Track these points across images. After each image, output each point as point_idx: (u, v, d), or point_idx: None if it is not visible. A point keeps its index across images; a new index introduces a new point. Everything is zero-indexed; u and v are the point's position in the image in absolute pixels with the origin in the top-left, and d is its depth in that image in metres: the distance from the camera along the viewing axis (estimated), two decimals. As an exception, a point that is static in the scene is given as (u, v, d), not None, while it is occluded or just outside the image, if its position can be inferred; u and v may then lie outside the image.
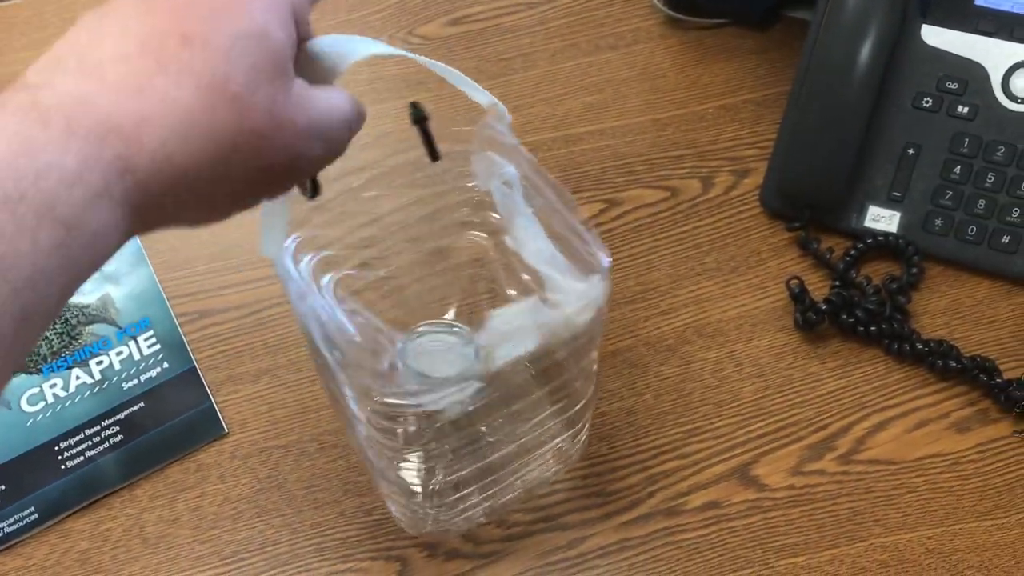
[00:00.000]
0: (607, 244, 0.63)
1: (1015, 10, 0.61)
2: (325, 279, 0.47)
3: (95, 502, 0.56)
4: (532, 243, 0.46)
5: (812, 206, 0.62)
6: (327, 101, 0.35)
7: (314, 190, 0.41)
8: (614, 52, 0.75)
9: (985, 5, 0.62)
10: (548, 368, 0.49)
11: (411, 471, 0.52)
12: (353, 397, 0.43)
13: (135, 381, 0.60)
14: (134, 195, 0.29)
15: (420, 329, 0.54)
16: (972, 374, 0.57)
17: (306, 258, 0.46)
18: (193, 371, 0.61)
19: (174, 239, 0.66)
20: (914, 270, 0.61)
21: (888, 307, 0.59)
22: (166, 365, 0.61)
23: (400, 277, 0.52)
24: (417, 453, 0.52)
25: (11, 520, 0.55)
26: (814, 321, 0.59)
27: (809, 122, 0.61)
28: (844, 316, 0.59)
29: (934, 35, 0.62)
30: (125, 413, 0.59)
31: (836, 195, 0.62)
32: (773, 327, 0.61)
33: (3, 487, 0.56)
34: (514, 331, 0.41)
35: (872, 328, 0.58)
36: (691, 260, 0.64)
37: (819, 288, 0.61)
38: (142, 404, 0.59)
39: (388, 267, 0.52)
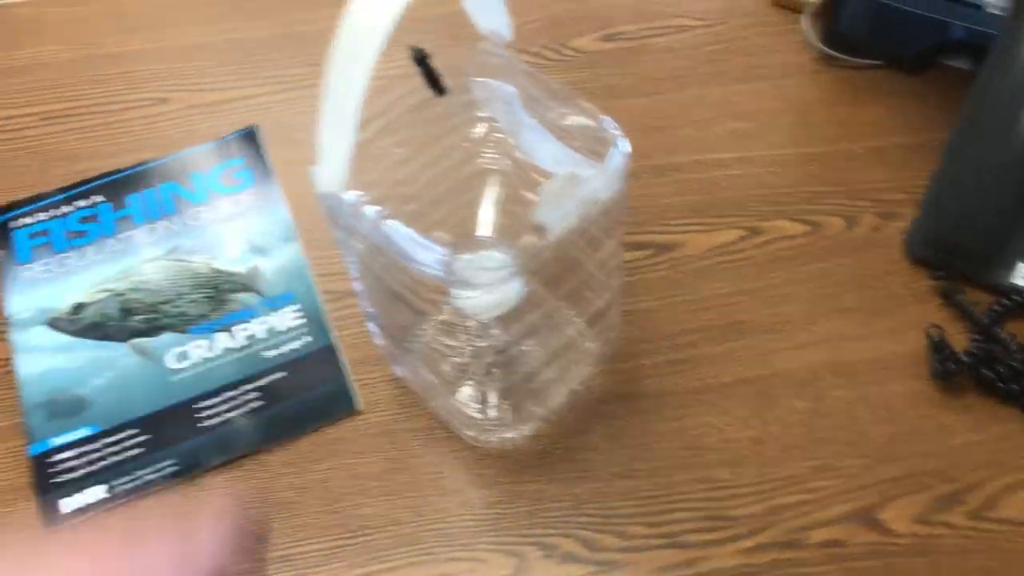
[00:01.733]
0: (746, 271, 0.65)
1: None
2: (369, 214, 0.49)
3: (230, 462, 0.58)
4: (542, 149, 0.50)
5: (959, 257, 0.62)
6: None
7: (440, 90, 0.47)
8: (765, 83, 0.75)
9: None
10: (560, 277, 0.53)
11: (470, 392, 0.57)
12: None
13: (277, 351, 0.62)
14: None
15: (459, 249, 0.57)
16: (1114, 445, 0.56)
17: (351, 197, 0.48)
18: (332, 348, 0.63)
19: (322, 219, 0.69)
20: (1060, 333, 0.60)
21: (1032, 367, 0.58)
22: (308, 339, 0.63)
23: (432, 208, 0.55)
24: (468, 378, 0.57)
25: (153, 469, 0.58)
26: (953, 372, 0.58)
27: (966, 174, 0.61)
28: (985, 370, 0.58)
29: (1106, 98, 0.61)
30: (265, 380, 0.61)
31: (987, 249, 0.61)
32: (908, 373, 0.60)
33: (148, 436, 0.59)
34: (560, 204, 0.44)
35: (1014, 386, 0.57)
36: (830, 297, 0.64)
37: (958, 340, 0.61)
38: (283, 374, 0.62)
39: (420, 201, 0.54)
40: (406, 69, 0.50)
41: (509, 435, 0.58)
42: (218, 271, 0.66)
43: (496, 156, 0.54)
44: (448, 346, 0.58)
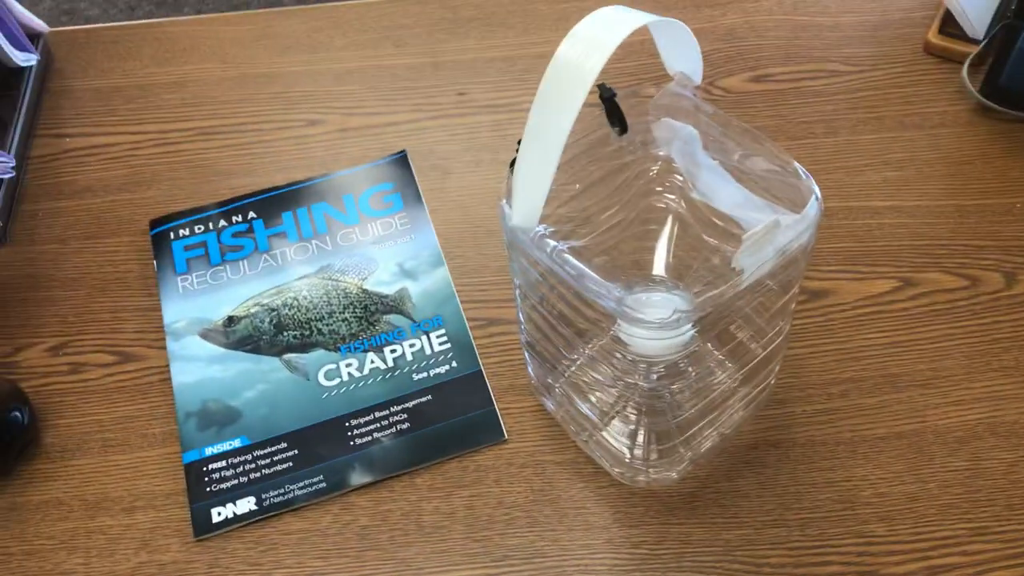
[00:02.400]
0: (900, 323, 0.64)
1: None
2: (549, 247, 0.49)
3: (377, 482, 0.59)
4: (721, 191, 0.50)
5: None
6: None
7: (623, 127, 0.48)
8: (919, 132, 0.74)
9: None
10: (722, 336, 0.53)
11: (620, 429, 0.57)
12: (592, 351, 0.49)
13: (425, 374, 0.63)
14: None
15: (633, 287, 0.57)
16: None
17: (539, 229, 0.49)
18: (479, 374, 0.63)
19: (469, 246, 0.70)
20: None
21: None
22: (454, 364, 0.64)
23: (603, 245, 0.55)
24: (618, 415, 0.57)
25: (302, 484, 0.59)
26: (1125, 441, 0.56)
27: None
28: None
29: None
30: (413, 403, 0.62)
31: None
32: (1073, 439, 0.58)
33: (296, 451, 0.60)
34: (759, 250, 0.44)
35: None
36: (988, 355, 0.62)
37: (1126, 407, 0.59)
38: (430, 397, 0.62)
39: (590, 237, 0.54)
40: (588, 103, 0.51)
41: (656, 475, 0.58)
42: (368, 292, 0.67)
43: (671, 197, 0.54)
44: (597, 379, 0.58)
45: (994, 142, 0.73)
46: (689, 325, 0.47)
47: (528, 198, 0.45)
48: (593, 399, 0.58)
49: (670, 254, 0.54)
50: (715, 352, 0.56)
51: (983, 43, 0.76)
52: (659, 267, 0.55)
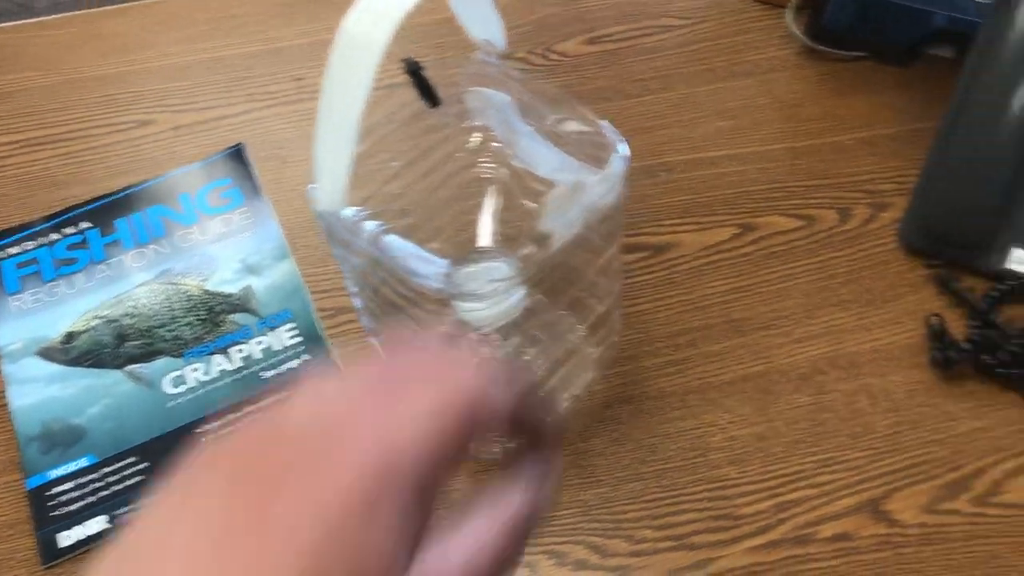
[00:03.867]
0: (741, 268, 0.65)
1: None
2: (368, 230, 0.48)
3: (233, 484, 0.58)
4: (539, 157, 0.50)
5: (954, 244, 0.62)
6: None
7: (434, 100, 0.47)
8: (750, 79, 0.75)
9: None
10: (561, 287, 0.52)
11: None
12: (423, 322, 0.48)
13: (275, 371, 0.62)
14: None
15: (459, 259, 0.56)
16: (1117, 425, 0.56)
17: (349, 213, 0.48)
18: (332, 365, 0.62)
19: (315, 235, 0.68)
20: (1057, 316, 0.60)
21: (1031, 351, 0.58)
22: (306, 357, 0.63)
23: (430, 220, 0.55)
24: None
25: (154, 495, 0.57)
26: (954, 360, 0.58)
27: (958, 161, 0.61)
28: (985, 357, 0.58)
29: (1092, 80, 0.61)
30: (267, 401, 0.61)
31: (980, 235, 0.61)
32: (908, 363, 0.60)
33: (147, 464, 0.58)
34: (565, 212, 0.44)
35: (1014, 371, 0.57)
36: (826, 290, 0.64)
37: (955, 326, 0.61)
38: (283, 393, 0.61)
39: (417, 213, 0.54)
40: (397, 81, 0.50)
41: (512, 445, 0.58)
42: (211, 292, 0.66)
43: (492, 166, 0.53)
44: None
45: (822, 83, 0.75)
46: (519, 289, 0.47)
47: (331, 180, 0.44)
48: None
49: (497, 223, 0.54)
50: (555, 309, 0.56)
51: (805, -14, 0.77)
52: (485, 238, 0.54)
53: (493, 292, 0.44)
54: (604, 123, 0.47)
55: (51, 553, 0.55)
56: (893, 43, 0.74)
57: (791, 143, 0.71)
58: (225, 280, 0.66)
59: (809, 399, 0.59)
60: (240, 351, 0.63)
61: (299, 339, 0.63)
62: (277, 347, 0.63)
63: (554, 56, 0.78)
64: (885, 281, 0.64)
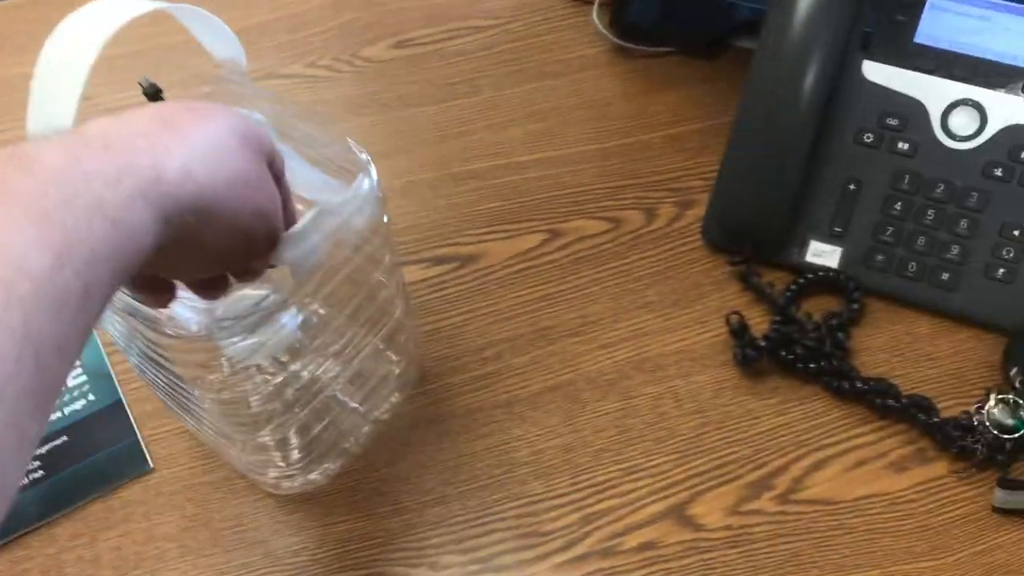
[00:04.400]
0: (549, 276, 0.64)
1: (953, 49, 0.61)
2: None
3: (11, 540, 0.54)
4: (300, 177, 0.48)
5: (753, 240, 0.62)
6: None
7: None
8: (560, 79, 0.74)
9: (924, 43, 0.62)
10: (343, 296, 0.51)
11: (266, 440, 0.53)
12: (190, 380, 0.46)
13: (58, 414, 0.58)
14: (165, 200, 0.33)
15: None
16: (910, 413, 0.57)
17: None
18: (119, 404, 0.58)
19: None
20: (855, 306, 0.61)
21: (828, 344, 0.58)
22: (91, 397, 0.59)
23: None
24: (267, 424, 0.53)
25: (-78, 560, 0.53)
26: (753, 357, 0.58)
27: (750, 155, 0.61)
28: (784, 353, 0.58)
29: (875, 71, 0.62)
30: (46, 448, 0.57)
31: (777, 229, 0.61)
32: (713, 362, 0.60)
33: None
34: (309, 243, 0.42)
35: (812, 365, 0.58)
36: (632, 293, 0.63)
37: (760, 323, 0.61)
38: (65, 438, 0.57)
39: None
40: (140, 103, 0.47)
41: (314, 476, 0.55)
42: (-12, 333, 0.61)
43: None
44: (239, 394, 0.54)
45: (631, 80, 0.74)
46: (290, 311, 0.45)
47: None
48: (238, 415, 0.55)
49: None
50: (345, 322, 0.54)
51: (610, -17, 0.77)
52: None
53: (262, 320, 0.42)
54: (351, 141, 0.45)
55: None
56: (698, 37, 0.74)
57: (601, 144, 0.70)
58: (4, 319, 0.62)
59: (616, 405, 0.58)
60: (20, 396, 0.59)
61: (83, 379, 0.59)
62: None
63: (360, 62, 0.75)
64: (690, 280, 0.63)
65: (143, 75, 0.46)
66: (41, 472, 0.56)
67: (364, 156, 0.44)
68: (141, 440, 0.57)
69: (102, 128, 0.33)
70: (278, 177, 0.40)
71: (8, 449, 0.27)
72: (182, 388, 0.47)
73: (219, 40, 0.46)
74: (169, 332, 0.42)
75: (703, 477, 0.56)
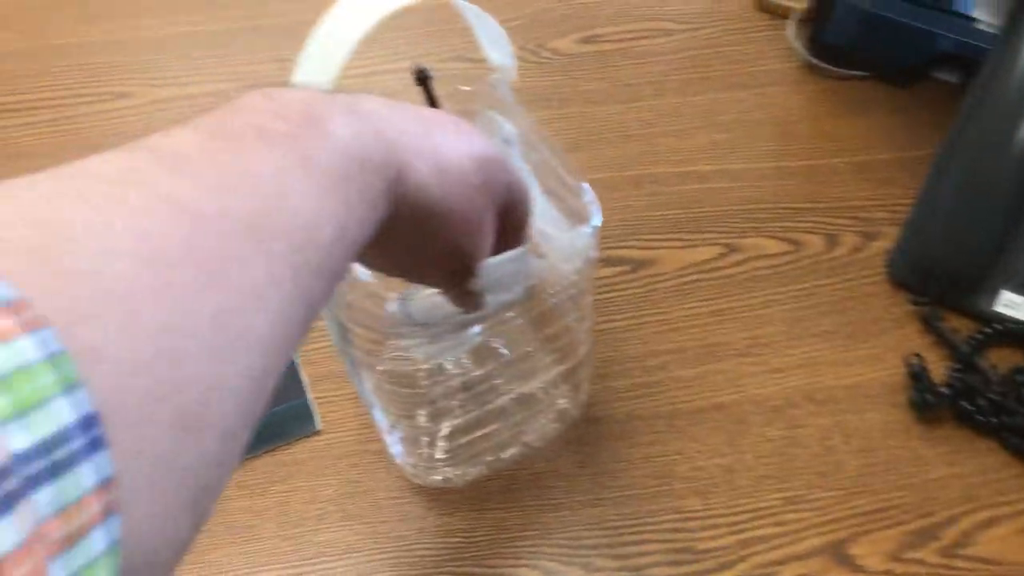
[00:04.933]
0: (722, 291, 0.63)
1: None
2: None
3: (183, 482, 0.56)
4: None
5: (945, 282, 0.60)
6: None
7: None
8: (747, 91, 0.73)
9: None
10: (542, 320, 0.51)
11: (420, 425, 0.54)
12: (365, 352, 0.47)
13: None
14: (400, 201, 0.34)
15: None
16: (1093, 482, 0.54)
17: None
18: (292, 364, 0.60)
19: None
20: (1043, 363, 0.58)
21: (1012, 399, 0.56)
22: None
23: None
24: (423, 409, 0.54)
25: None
26: (932, 403, 0.57)
27: (953, 195, 0.59)
28: (964, 403, 0.56)
29: (1096, 122, 0.59)
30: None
31: (971, 275, 0.59)
32: (886, 402, 0.59)
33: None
34: (504, 278, 0.42)
35: (993, 419, 0.56)
36: (807, 320, 0.62)
37: (937, 366, 0.59)
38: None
39: None
40: (408, 86, 0.47)
41: (452, 474, 0.56)
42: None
43: None
44: (407, 377, 0.55)
45: (820, 101, 0.72)
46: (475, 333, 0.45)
47: None
48: (399, 394, 0.56)
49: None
50: (534, 339, 0.54)
51: (810, -1, 0.75)
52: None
53: (446, 332, 0.42)
54: (585, 186, 0.44)
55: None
56: (896, 64, 0.72)
57: (783, 162, 0.69)
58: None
59: (781, 433, 0.58)
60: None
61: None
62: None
63: (546, 53, 0.75)
64: (869, 314, 0.62)
65: (415, 61, 0.47)
66: (216, 420, 0.58)
67: (592, 203, 0.44)
68: (311, 402, 0.59)
69: (376, 110, 0.34)
70: (517, 228, 0.40)
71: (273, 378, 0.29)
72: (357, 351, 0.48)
73: (496, 45, 0.46)
74: (365, 306, 0.43)
75: (866, 517, 0.55)
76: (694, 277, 0.64)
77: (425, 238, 0.37)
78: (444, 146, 0.36)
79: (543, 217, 0.46)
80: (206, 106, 0.81)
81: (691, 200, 0.67)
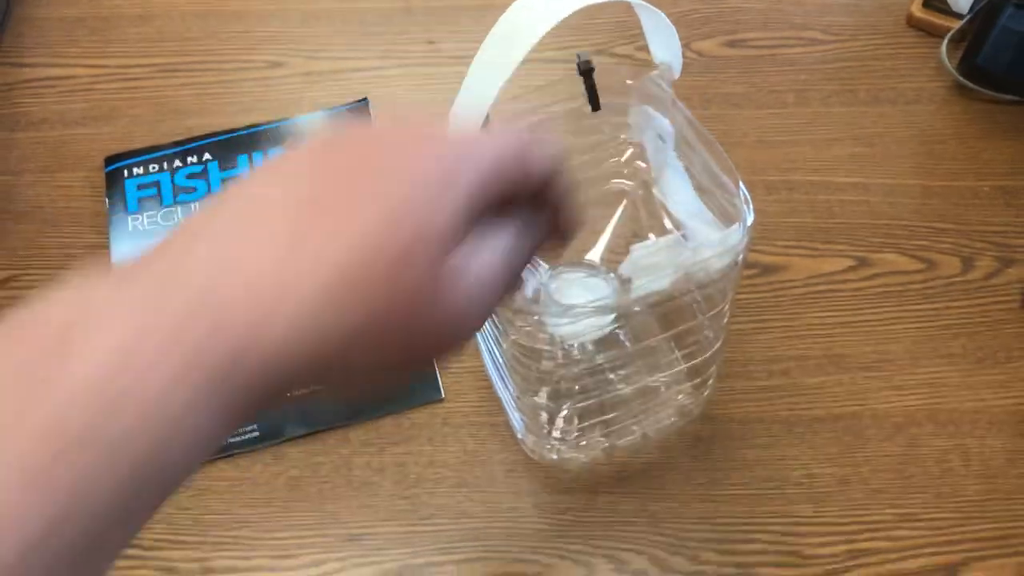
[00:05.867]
0: (850, 303, 0.63)
1: None
2: None
3: (311, 434, 0.59)
4: (679, 195, 0.49)
5: (1083, 315, 0.59)
6: (487, 268, 0.31)
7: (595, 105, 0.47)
8: (892, 107, 0.72)
9: None
10: (675, 314, 0.51)
11: (540, 403, 0.55)
12: (499, 323, 0.47)
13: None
14: (240, 395, 0.26)
15: (562, 266, 0.56)
16: None
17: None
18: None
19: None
20: None
21: None
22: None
23: None
24: (546, 387, 0.55)
25: (235, 432, 0.59)
26: (1062, 436, 0.55)
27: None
28: (1096, 439, 0.55)
29: None
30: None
31: (1114, 310, 0.58)
32: (1012, 431, 0.57)
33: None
34: (652, 265, 0.42)
35: None
36: (936, 340, 0.61)
37: (1069, 401, 0.58)
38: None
39: None
40: (570, 74, 0.49)
41: (569, 456, 0.57)
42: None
43: (631, 184, 0.52)
44: (533, 349, 0.57)
45: (969, 123, 0.71)
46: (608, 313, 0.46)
47: None
48: (525, 369, 0.57)
49: (613, 240, 0.53)
50: (660, 336, 0.55)
51: (965, 19, 0.74)
52: (596, 252, 0.53)
53: (586, 315, 0.43)
54: (742, 187, 0.45)
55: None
56: (1051, 92, 0.70)
57: (925, 181, 0.68)
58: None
59: (900, 450, 0.57)
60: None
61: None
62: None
63: (690, 54, 0.76)
64: (999, 340, 0.61)
65: (580, 50, 0.48)
66: (346, 378, 0.61)
67: (747, 206, 0.44)
68: (437, 370, 0.61)
69: (204, 263, 0.26)
70: (559, 206, 0.33)
71: None
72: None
73: (663, 42, 0.47)
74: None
75: (983, 543, 0.54)
76: (823, 287, 0.64)
77: (360, 373, 0.29)
78: (330, 247, 0.27)
79: (694, 214, 0.47)
80: (357, 81, 0.84)
81: (825, 211, 0.67)
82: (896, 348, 0.61)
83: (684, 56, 0.75)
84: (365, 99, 0.74)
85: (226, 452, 0.58)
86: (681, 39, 0.77)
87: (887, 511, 0.55)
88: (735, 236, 0.43)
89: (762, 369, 0.60)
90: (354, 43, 0.78)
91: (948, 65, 0.72)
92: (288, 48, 0.78)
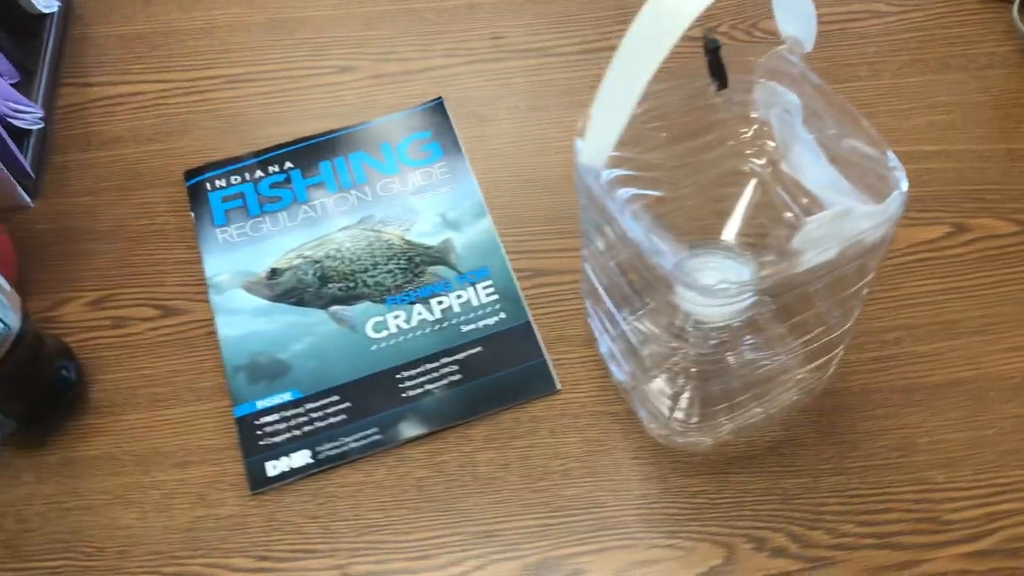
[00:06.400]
0: (952, 269, 0.63)
1: None
2: (619, 195, 0.47)
3: (431, 433, 0.59)
4: (811, 168, 0.48)
5: None
6: None
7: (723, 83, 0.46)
8: (964, 73, 0.72)
9: None
10: (812, 299, 0.50)
11: (664, 388, 0.55)
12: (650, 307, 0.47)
13: (473, 325, 0.62)
14: None
15: (698, 247, 0.55)
16: None
17: (605, 174, 0.47)
18: (528, 325, 0.62)
19: (511, 197, 0.68)
20: None
21: None
22: (503, 315, 0.63)
23: (680, 199, 0.53)
24: (666, 373, 0.55)
25: (356, 437, 0.58)
26: None
27: None
28: None
29: None
30: (463, 355, 0.61)
31: None
32: None
33: (349, 404, 0.60)
34: (824, 237, 0.41)
35: None
36: (1043, 300, 0.62)
37: None
38: (480, 349, 0.61)
39: (670, 189, 0.53)
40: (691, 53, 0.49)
41: (695, 438, 0.57)
42: (411, 243, 0.66)
43: (760, 163, 0.52)
44: (654, 332, 0.57)
45: (1043, 84, 0.72)
46: (747, 295, 0.46)
47: (600, 137, 0.43)
48: (647, 352, 0.58)
49: (744, 221, 0.53)
50: (776, 326, 0.55)
51: (1032, -19, 0.74)
52: (730, 232, 0.53)
53: (722, 292, 0.43)
54: (891, 153, 0.45)
55: (259, 480, 0.57)
56: (1124, 48, 0.71)
57: (1009, 144, 0.68)
58: (425, 232, 0.67)
59: (1023, 410, 0.58)
60: (440, 303, 0.63)
61: (496, 297, 0.63)
62: (475, 303, 0.63)
63: (759, 33, 0.76)
64: (1108, 296, 0.61)
65: (708, 27, 0.48)
66: (459, 376, 0.60)
67: (900, 171, 0.44)
68: (549, 362, 0.61)
69: None
70: None
71: None
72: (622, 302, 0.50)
73: (795, 16, 0.47)
74: (646, 259, 0.44)
75: (1118, 498, 0.54)
76: (924, 255, 0.64)
77: None
78: None
79: (829, 186, 0.47)
80: (426, 81, 0.84)
81: (915, 180, 0.66)
82: (1005, 310, 0.61)
83: (752, 35, 0.77)
84: (439, 98, 0.74)
85: (348, 458, 0.58)
86: (749, 18, 0.78)
87: (1020, 471, 0.55)
88: (894, 204, 0.43)
89: (873, 340, 0.61)
90: (419, 43, 0.78)
91: (1021, 26, 0.72)
92: (355, 52, 0.77)
